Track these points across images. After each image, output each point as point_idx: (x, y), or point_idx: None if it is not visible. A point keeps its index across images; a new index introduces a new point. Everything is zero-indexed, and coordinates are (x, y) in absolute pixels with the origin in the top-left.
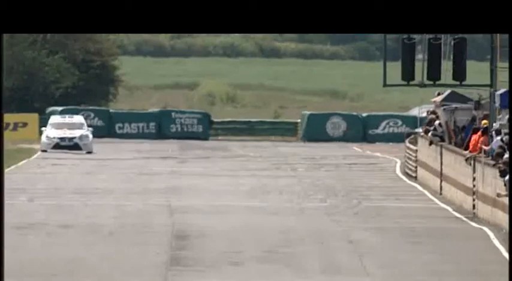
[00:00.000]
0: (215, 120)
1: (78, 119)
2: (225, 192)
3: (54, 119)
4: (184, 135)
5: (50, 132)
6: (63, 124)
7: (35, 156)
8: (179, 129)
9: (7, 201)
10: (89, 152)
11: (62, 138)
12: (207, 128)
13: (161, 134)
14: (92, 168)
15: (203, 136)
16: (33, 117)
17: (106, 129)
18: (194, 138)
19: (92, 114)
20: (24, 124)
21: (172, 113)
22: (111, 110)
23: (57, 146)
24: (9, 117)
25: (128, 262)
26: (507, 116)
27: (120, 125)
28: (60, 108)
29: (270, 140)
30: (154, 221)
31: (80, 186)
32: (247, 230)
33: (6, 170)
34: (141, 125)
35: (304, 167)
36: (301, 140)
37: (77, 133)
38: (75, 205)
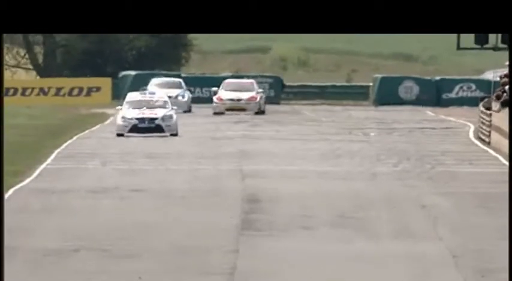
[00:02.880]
0: (287, 84)
1: (161, 96)
2: (296, 156)
3: (131, 96)
4: None
5: (127, 113)
6: (143, 102)
7: (108, 121)
8: None
9: (81, 165)
10: (174, 135)
11: (141, 120)
12: (279, 92)
13: None
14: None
15: (275, 100)
16: (106, 82)
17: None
18: (266, 102)
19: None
20: (98, 89)
21: (245, 78)
22: (182, 75)
23: (135, 129)
24: (82, 82)
25: (200, 226)
26: None
27: (192, 89)
28: (133, 73)
29: (341, 104)
30: (226, 186)
31: (152, 150)
32: (318, 194)
33: (80, 135)
34: (213, 89)
35: (376, 131)
36: (373, 104)
37: (159, 113)
38: (148, 170)
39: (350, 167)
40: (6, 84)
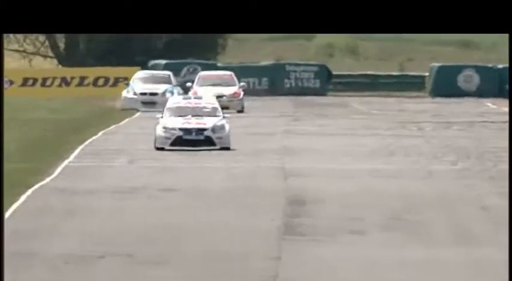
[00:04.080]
0: (334, 73)
1: (210, 101)
2: (344, 153)
3: (174, 101)
4: (300, 90)
5: (169, 122)
6: (188, 109)
7: (137, 114)
8: (294, 84)
9: (106, 164)
10: (225, 148)
11: (186, 130)
12: (325, 83)
13: (274, 89)
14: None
15: (320, 91)
16: (134, 71)
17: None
18: (310, 94)
19: (199, 68)
20: (125, 79)
21: (287, 66)
22: (218, 64)
23: (180, 142)
24: (108, 72)
25: (237, 230)
26: None
27: None
28: (164, 62)
29: (394, 96)
30: (266, 185)
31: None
32: (368, 195)
33: (105, 130)
34: (251, 80)
35: (432, 125)
36: (429, 95)
37: (208, 122)
38: (179, 167)
39: (403, 165)
40: (24, 74)
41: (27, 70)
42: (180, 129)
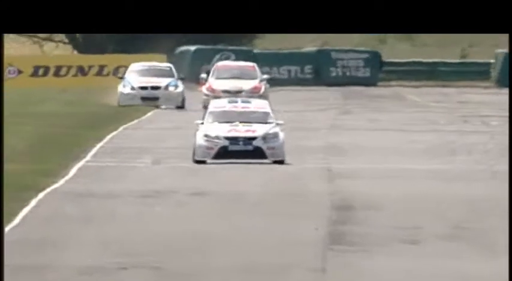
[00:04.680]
0: (386, 60)
1: (260, 105)
2: (398, 151)
3: (216, 105)
4: (348, 80)
5: (212, 129)
6: (233, 114)
7: (163, 107)
8: (340, 73)
9: (128, 164)
10: (279, 162)
11: (233, 140)
12: (376, 71)
13: (319, 79)
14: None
15: (371, 81)
16: (160, 59)
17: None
18: (360, 84)
19: (233, 56)
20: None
21: (333, 53)
22: (255, 51)
23: (225, 153)
24: (130, 59)
25: (276, 239)
26: None
27: (267, 69)
28: (193, 48)
29: (455, 86)
30: (309, 188)
31: None
32: (425, 199)
33: (127, 124)
34: (293, 68)
35: (498, 119)
36: (495, 85)
37: (258, 130)
38: (212, 168)
39: (466, 165)
40: (35, 62)
41: (38, 57)
42: (226, 138)
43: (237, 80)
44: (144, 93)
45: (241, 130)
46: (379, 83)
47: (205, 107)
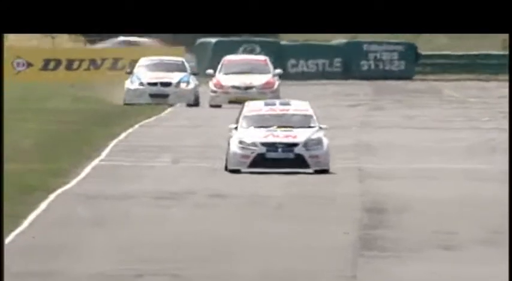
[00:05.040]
0: (423, 53)
1: (300, 107)
2: (433, 150)
3: (253, 107)
4: (380, 74)
5: (247, 135)
6: (271, 117)
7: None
8: (373, 66)
9: (144, 163)
10: (323, 171)
11: (271, 146)
12: (411, 64)
13: (349, 73)
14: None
15: (406, 75)
16: (177, 51)
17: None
18: (393, 78)
19: (258, 48)
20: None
21: (365, 46)
22: (282, 42)
23: (262, 161)
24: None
25: (303, 245)
26: None
27: (294, 62)
28: (214, 40)
29: (497, 80)
30: (338, 190)
31: None
32: (464, 202)
33: (143, 122)
34: (321, 61)
35: None
36: None
37: (299, 135)
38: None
39: (507, 165)
40: (45, 55)
41: (48, 50)
42: (263, 144)
43: (248, 75)
44: (154, 89)
45: (279, 135)
46: (415, 77)
47: (213, 106)
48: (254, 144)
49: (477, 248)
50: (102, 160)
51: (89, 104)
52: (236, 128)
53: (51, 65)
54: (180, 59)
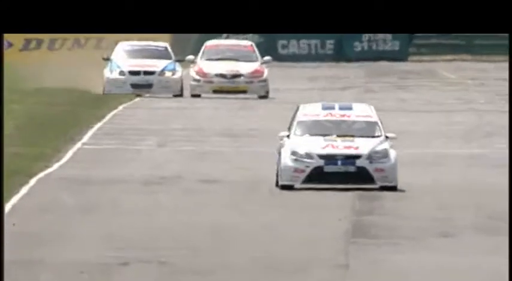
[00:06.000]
0: (417, 34)
1: (364, 112)
2: (431, 134)
3: (307, 113)
4: (374, 55)
5: (301, 145)
6: (329, 124)
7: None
8: (366, 47)
9: (130, 146)
10: (390, 188)
11: (329, 158)
12: (405, 45)
13: (341, 54)
14: (246, 102)
15: (400, 56)
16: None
17: (264, 48)
18: (387, 59)
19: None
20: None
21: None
22: None
23: (320, 175)
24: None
25: (296, 232)
26: None
27: (285, 42)
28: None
29: (494, 61)
30: None
31: (230, 126)
32: (462, 187)
33: (129, 103)
34: (313, 42)
35: None
36: None
37: (362, 146)
38: (223, 152)
39: (506, 148)
40: (26, 35)
41: None
42: (320, 156)
43: (233, 62)
44: (136, 79)
45: (339, 146)
46: (410, 58)
47: (194, 96)
48: (310, 156)
49: (475, 235)
50: (85, 144)
51: (72, 84)
52: (288, 136)
53: (32, 44)
54: (163, 44)
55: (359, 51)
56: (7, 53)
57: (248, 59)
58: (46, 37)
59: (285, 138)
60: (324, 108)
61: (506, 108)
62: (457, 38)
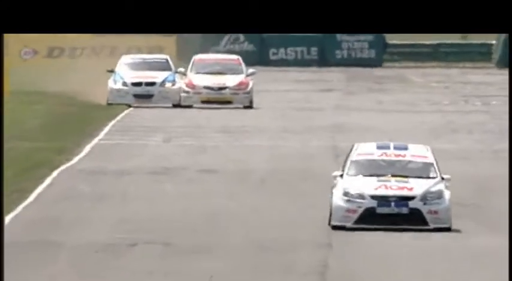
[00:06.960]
0: (390, 42)
1: (419, 152)
2: (401, 131)
3: (361, 152)
4: (353, 61)
5: (354, 185)
6: (383, 164)
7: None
8: (346, 54)
9: (139, 141)
10: (444, 229)
11: (383, 199)
12: (380, 53)
13: (324, 60)
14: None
15: (375, 62)
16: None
17: (257, 55)
18: (364, 65)
19: (241, 38)
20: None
21: (338, 36)
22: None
23: (372, 217)
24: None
25: (284, 216)
26: None
27: (275, 50)
28: None
29: (457, 67)
30: (315, 166)
31: (226, 123)
32: None
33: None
34: (299, 50)
35: (499, 99)
36: (496, 66)
37: (416, 187)
38: (220, 146)
39: (467, 144)
40: (50, 43)
41: (52, 38)
42: (373, 197)
43: (220, 76)
44: (138, 90)
45: (393, 187)
46: (384, 65)
47: (185, 106)
48: (362, 196)
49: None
50: (101, 140)
51: (89, 89)
52: (341, 175)
53: (55, 52)
54: (164, 56)
55: (340, 58)
56: (33, 60)
57: (234, 72)
58: (66, 46)
59: (338, 178)
60: (379, 147)
61: (468, 108)
62: (425, 46)
